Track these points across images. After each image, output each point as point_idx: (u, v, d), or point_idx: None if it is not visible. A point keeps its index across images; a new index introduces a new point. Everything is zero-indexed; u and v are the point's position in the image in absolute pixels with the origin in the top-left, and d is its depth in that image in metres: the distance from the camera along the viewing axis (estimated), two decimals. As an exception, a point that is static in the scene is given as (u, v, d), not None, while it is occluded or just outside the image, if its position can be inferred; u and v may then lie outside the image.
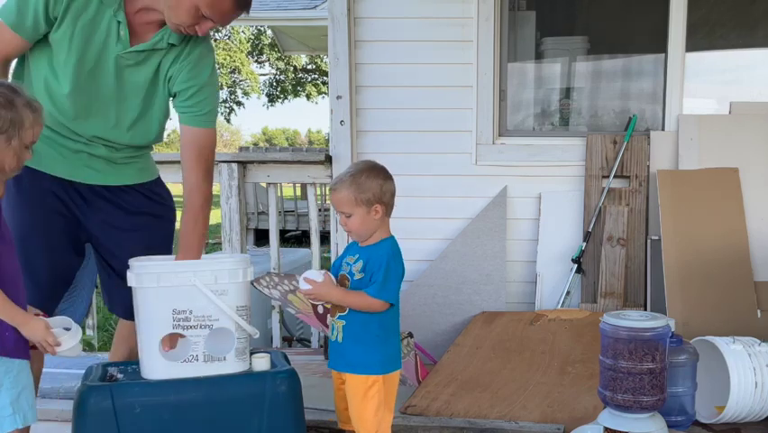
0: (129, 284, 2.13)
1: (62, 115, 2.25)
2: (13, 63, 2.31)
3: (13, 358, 1.91)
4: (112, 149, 2.36)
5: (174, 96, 2.38)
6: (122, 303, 2.41)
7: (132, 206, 2.43)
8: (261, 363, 2.21)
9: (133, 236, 2.40)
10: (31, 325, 1.90)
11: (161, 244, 2.46)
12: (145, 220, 2.46)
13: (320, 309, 3.23)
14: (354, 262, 2.22)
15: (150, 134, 2.43)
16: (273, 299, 3.67)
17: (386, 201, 2.20)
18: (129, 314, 2.29)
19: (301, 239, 10.20)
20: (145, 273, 2.11)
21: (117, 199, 2.41)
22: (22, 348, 1.93)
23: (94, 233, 2.41)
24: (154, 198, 2.51)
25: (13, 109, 1.83)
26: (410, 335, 3.34)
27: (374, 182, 2.17)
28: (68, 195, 2.34)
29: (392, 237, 2.24)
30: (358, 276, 2.19)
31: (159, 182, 2.57)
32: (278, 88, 25.73)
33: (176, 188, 2.62)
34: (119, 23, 2.23)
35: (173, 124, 2.55)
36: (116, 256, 2.39)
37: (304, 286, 2.18)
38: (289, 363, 2.27)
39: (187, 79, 2.33)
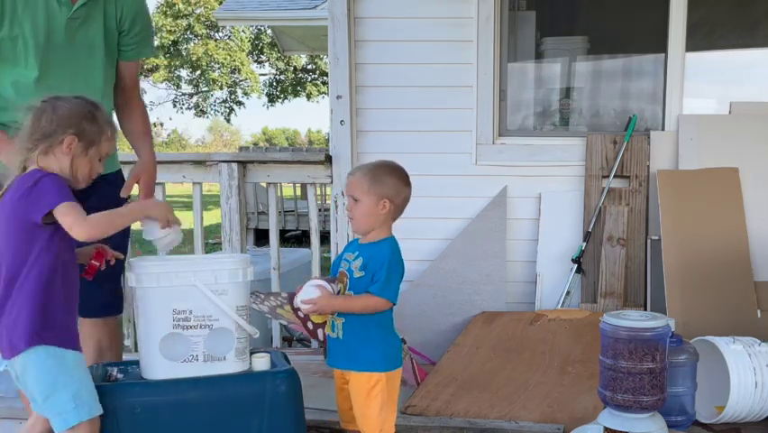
0: (129, 284, 2.13)
1: None
2: None
3: (65, 348, 1.96)
4: None
5: (120, 34, 2.48)
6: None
7: (100, 198, 2.40)
8: (261, 363, 2.22)
9: None
10: (153, 203, 2.28)
11: (120, 238, 2.43)
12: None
13: (309, 325, 3.22)
14: (354, 260, 2.23)
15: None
16: (263, 313, 3.66)
17: (396, 202, 2.23)
18: (84, 311, 2.28)
19: (301, 239, 10.19)
20: (145, 273, 2.11)
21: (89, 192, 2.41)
22: (72, 340, 2.00)
23: None
24: (117, 190, 2.51)
25: (95, 123, 2.05)
26: (403, 341, 3.33)
27: (390, 179, 2.23)
28: None
29: (393, 237, 2.26)
30: (357, 274, 2.20)
31: (119, 174, 2.60)
32: (278, 88, 25.70)
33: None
34: None
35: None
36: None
37: (305, 307, 2.19)
38: (289, 363, 2.27)
39: (133, 17, 2.47)
